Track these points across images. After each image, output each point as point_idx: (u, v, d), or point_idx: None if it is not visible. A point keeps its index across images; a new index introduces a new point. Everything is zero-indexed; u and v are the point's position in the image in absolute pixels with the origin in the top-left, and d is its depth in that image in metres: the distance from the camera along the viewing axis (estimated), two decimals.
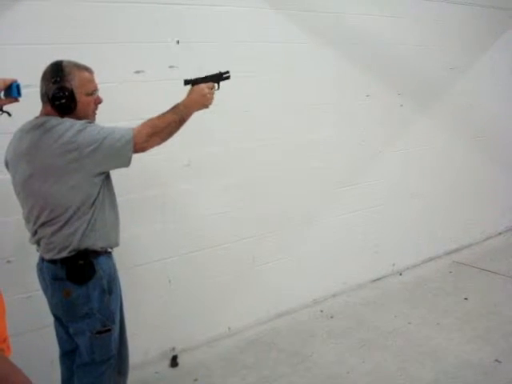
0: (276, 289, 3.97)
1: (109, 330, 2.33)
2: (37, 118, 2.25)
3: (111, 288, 2.33)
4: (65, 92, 2.14)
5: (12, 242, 2.77)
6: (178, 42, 3.17)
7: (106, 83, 2.32)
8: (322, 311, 4.13)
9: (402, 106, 4.51)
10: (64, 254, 2.21)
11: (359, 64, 4.14)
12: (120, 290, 2.45)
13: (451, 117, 4.97)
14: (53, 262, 2.25)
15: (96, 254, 2.27)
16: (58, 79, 2.15)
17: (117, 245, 2.40)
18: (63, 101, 2.15)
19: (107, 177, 2.30)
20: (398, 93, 4.46)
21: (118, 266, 2.42)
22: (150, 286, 3.37)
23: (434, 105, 4.81)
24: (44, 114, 2.24)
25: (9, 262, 2.80)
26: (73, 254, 2.22)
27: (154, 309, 3.40)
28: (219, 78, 2.43)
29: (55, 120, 2.17)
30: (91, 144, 2.12)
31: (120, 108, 2.42)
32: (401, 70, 4.44)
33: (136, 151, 2.21)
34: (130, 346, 2.58)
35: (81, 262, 2.22)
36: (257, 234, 3.81)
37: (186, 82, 2.37)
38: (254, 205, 3.75)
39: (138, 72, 3.02)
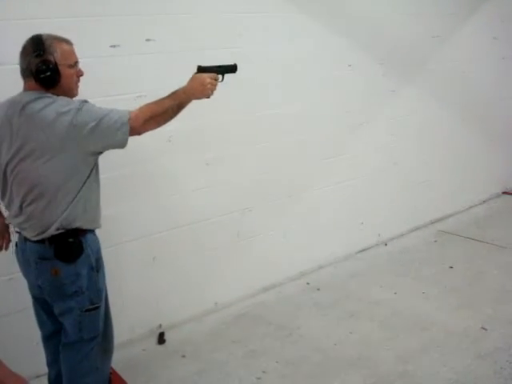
0: (262, 262, 3.97)
1: (97, 308, 2.35)
2: (23, 93, 2.18)
3: (99, 265, 2.35)
4: (49, 65, 2.10)
5: None
6: (155, 14, 3.09)
7: (80, 58, 2.25)
8: (308, 283, 4.13)
9: (383, 75, 4.46)
10: (52, 232, 2.19)
11: (340, 34, 4.07)
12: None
13: (435, 86, 4.94)
14: (39, 241, 2.23)
15: (84, 232, 2.27)
16: (41, 52, 2.09)
17: (100, 226, 2.40)
18: (48, 73, 2.10)
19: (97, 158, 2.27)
20: (380, 62, 4.42)
21: (103, 244, 2.40)
22: (135, 264, 3.35)
23: (416, 74, 4.78)
24: (28, 89, 2.17)
25: None
26: (61, 231, 2.20)
27: (139, 286, 3.38)
28: (232, 69, 2.41)
29: (48, 98, 2.12)
30: (89, 123, 2.09)
31: (96, 83, 2.37)
32: (381, 39, 4.39)
33: (131, 134, 2.19)
34: (117, 323, 2.57)
35: (70, 239, 2.21)
36: (241, 208, 3.79)
37: (199, 69, 2.33)
38: (238, 179, 3.72)
39: (113, 46, 2.94)
